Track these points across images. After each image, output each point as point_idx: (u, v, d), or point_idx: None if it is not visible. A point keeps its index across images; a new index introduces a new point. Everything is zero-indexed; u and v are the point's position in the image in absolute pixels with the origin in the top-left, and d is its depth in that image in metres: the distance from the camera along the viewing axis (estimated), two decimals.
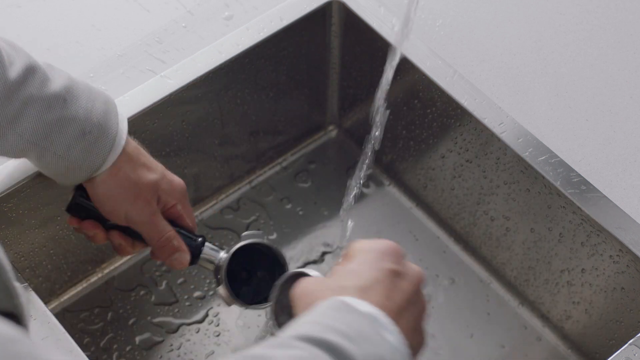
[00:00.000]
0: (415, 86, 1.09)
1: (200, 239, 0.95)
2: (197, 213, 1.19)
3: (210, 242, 0.96)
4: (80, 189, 0.92)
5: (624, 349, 0.90)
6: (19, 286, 0.65)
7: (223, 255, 0.95)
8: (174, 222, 0.94)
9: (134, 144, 0.91)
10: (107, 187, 0.89)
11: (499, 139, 1.03)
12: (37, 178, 0.98)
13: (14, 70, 0.82)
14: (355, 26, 1.12)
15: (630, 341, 0.90)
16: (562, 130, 1.04)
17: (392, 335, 0.65)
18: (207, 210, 1.19)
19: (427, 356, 1.11)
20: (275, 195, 1.21)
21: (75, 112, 0.86)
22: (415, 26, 1.11)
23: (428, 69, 1.07)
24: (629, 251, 0.96)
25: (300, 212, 1.20)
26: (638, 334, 0.91)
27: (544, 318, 1.12)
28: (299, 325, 0.64)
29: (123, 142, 0.89)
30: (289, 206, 1.21)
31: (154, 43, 1.09)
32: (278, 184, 1.22)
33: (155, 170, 0.92)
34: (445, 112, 1.08)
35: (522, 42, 1.11)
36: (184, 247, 0.93)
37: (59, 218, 1.05)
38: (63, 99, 0.85)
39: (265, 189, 1.22)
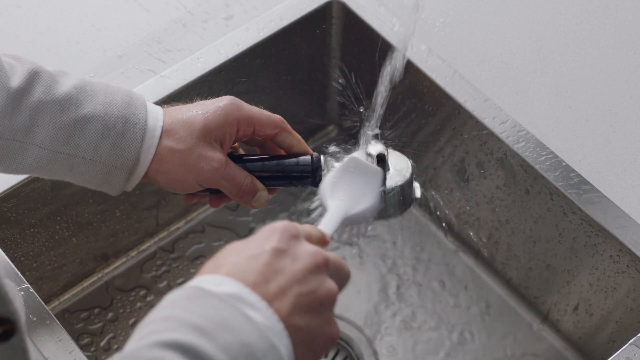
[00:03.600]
0: (415, 86, 1.09)
1: (314, 156, 0.87)
2: (196, 213, 1.19)
3: (323, 157, 0.88)
4: None
5: (624, 349, 0.90)
6: (13, 290, 0.65)
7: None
8: (281, 154, 0.88)
9: (172, 117, 0.83)
10: (165, 176, 0.82)
11: (499, 139, 1.03)
12: (37, 178, 0.98)
13: (17, 78, 0.78)
14: (355, 26, 1.12)
15: (630, 341, 0.90)
16: (562, 130, 1.04)
17: (258, 313, 0.60)
18: (207, 210, 1.19)
19: (427, 356, 1.11)
20: (275, 195, 1.21)
21: (93, 110, 0.80)
22: (416, 26, 1.11)
23: (428, 69, 1.07)
24: (629, 251, 0.96)
25: (300, 213, 1.20)
26: (638, 334, 0.91)
27: (544, 318, 1.12)
28: (151, 324, 0.60)
29: (158, 128, 0.82)
30: (288, 206, 1.21)
31: (154, 43, 1.09)
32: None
33: (206, 132, 0.83)
34: (445, 112, 1.08)
35: (522, 42, 1.11)
36: (259, 186, 0.85)
37: (59, 218, 1.05)
38: (76, 98, 0.80)
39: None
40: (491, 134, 1.03)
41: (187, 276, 1.15)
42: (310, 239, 0.69)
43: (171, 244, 1.17)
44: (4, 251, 0.95)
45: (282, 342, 0.60)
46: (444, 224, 1.19)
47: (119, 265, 1.15)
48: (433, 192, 1.18)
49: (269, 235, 0.65)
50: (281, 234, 0.65)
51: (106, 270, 1.14)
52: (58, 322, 0.88)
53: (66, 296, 1.12)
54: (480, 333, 1.12)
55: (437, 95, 1.07)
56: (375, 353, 1.11)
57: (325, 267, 0.65)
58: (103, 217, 1.10)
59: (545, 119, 1.05)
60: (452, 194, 1.15)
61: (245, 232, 1.18)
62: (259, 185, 0.86)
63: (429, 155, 1.14)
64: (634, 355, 0.89)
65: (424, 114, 1.11)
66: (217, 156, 0.82)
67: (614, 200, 0.98)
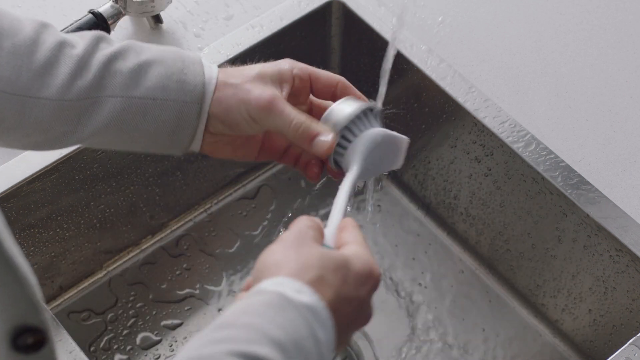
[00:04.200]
0: (415, 86, 1.09)
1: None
2: (197, 213, 1.19)
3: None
4: None
5: (624, 349, 0.90)
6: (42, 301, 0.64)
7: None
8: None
9: (226, 68, 0.82)
10: (224, 111, 0.80)
11: (498, 139, 1.03)
12: (37, 178, 0.98)
13: (81, 45, 0.79)
14: (355, 26, 1.12)
15: (630, 341, 0.90)
16: (562, 130, 1.04)
17: (325, 332, 0.64)
18: (210, 209, 1.19)
19: (428, 355, 1.11)
20: (274, 195, 1.21)
21: (151, 55, 0.80)
22: (416, 26, 1.11)
23: (428, 68, 1.07)
24: (629, 251, 0.96)
25: (300, 213, 1.20)
26: (638, 334, 0.91)
27: (544, 318, 1.12)
28: (230, 328, 0.62)
29: (214, 66, 0.81)
30: (288, 207, 1.21)
31: None
32: (277, 184, 1.22)
33: (260, 75, 0.81)
34: (445, 112, 1.08)
35: (522, 42, 1.11)
36: (317, 129, 0.79)
37: (59, 218, 1.05)
38: (132, 49, 0.80)
39: (264, 189, 1.22)
40: (491, 134, 1.03)
41: (188, 275, 1.15)
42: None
43: (172, 243, 1.17)
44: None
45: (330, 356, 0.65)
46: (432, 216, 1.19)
47: (119, 265, 1.15)
48: (432, 192, 1.18)
49: (366, 280, 0.68)
50: (374, 286, 0.69)
51: (106, 270, 1.14)
52: (58, 322, 0.88)
53: (66, 296, 1.12)
54: (480, 332, 1.12)
55: (437, 95, 1.07)
56: (375, 353, 1.11)
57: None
58: (103, 217, 1.10)
59: (545, 119, 1.05)
60: (451, 193, 1.15)
61: (249, 230, 1.18)
62: (317, 128, 0.79)
63: (429, 155, 1.14)
64: (634, 355, 0.89)
65: (424, 114, 1.11)
66: (269, 89, 0.80)
67: (614, 200, 0.98)
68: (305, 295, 0.63)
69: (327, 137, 0.79)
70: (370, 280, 0.68)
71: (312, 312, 0.63)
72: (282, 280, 0.64)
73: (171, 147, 0.82)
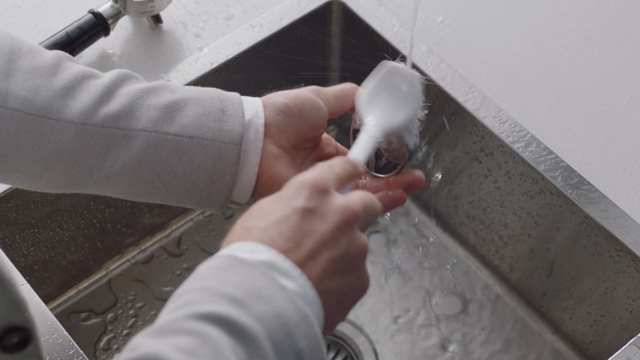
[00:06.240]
0: None
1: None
2: (198, 212, 1.19)
3: None
4: None
5: (624, 349, 0.90)
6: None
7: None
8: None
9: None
10: (283, 136, 0.77)
11: (498, 139, 1.03)
12: None
13: (108, 76, 0.75)
14: (355, 26, 1.12)
15: (630, 341, 0.90)
16: (562, 130, 1.04)
17: (291, 281, 0.60)
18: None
19: (427, 354, 1.11)
20: None
21: (187, 94, 0.76)
22: (415, 26, 1.11)
23: (428, 68, 1.07)
24: (629, 251, 0.96)
25: None
26: (638, 334, 0.91)
27: (544, 318, 1.12)
28: (185, 294, 0.59)
29: (257, 100, 0.77)
30: None
31: None
32: None
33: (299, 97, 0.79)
34: (445, 112, 1.08)
35: (522, 42, 1.11)
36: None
37: (59, 218, 1.05)
38: (166, 87, 0.76)
39: None
40: (491, 134, 1.03)
41: (188, 275, 1.14)
42: (341, 181, 0.67)
43: (172, 243, 1.17)
44: (4, 251, 0.95)
45: (314, 310, 0.60)
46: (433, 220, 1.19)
47: (119, 265, 1.15)
48: (432, 192, 1.18)
49: (298, 192, 0.63)
50: (310, 191, 0.63)
51: (106, 270, 1.14)
52: (58, 322, 0.88)
53: (66, 296, 1.12)
54: (479, 332, 1.12)
55: (437, 95, 1.07)
56: (375, 353, 1.11)
57: (356, 221, 0.64)
58: (103, 216, 1.10)
59: (545, 119, 1.05)
60: (451, 194, 1.15)
61: None
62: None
63: (429, 156, 1.14)
64: (634, 355, 0.89)
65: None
66: (320, 102, 0.79)
67: (614, 200, 0.98)
68: (260, 253, 0.60)
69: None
70: (301, 190, 0.63)
71: (269, 266, 0.60)
72: (235, 245, 0.62)
73: (209, 199, 0.76)
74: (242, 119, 0.75)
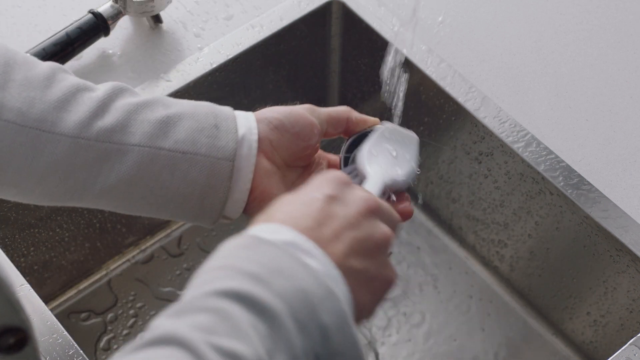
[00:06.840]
0: (415, 86, 1.09)
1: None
2: None
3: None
4: None
5: (624, 349, 0.90)
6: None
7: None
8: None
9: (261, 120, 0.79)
10: (278, 153, 0.78)
11: (498, 139, 1.03)
12: None
13: (102, 90, 0.75)
14: (355, 26, 1.12)
15: (630, 341, 0.90)
16: (562, 130, 1.04)
17: (314, 260, 0.60)
18: None
19: (427, 354, 1.11)
20: None
21: (181, 108, 0.76)
22: (416, 26, 1.11)
23: (428, 68, 1.07)
24: (629, 251, 0.96)
25: None
26: (638, 334, 0.91)
27: (544, 318, 1.12)
28: (207, 273, 0.60)
29: (250, 116, 0.78)
30: None
31: None
32: None
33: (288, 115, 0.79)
34: (445, 112, 1.08)
35: (522, 42, 1.11)
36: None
37: (59, 218, 1.05)
38: (160, 102, 0.76)
39: None
40: (491, 134, 1.03)
41: (188, 275, 1.15)
42: None
43: (172, 243, 1.17)
44: (4, 251, 0.95)
45: (339, 287, 0.60)
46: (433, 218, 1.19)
47: (119, 265, 1.15)
48: (432, 192, 1.18)
49: (320, 183, 0.65)
50: (332, 182, 0.65)
51: (106, 270, 1.14)
52: (58, 322, 0.88)
53: (66, 296, 1.12)
54: (479, 331, 1.12)
55: (437, 95, 1.07)
56: (376, 353, 1.11)
57: (378, 212, 0.65)
58: (103, 216, 1.10)
59: (545, 119, 1.05)
60: (451, 194, 1.15)
61: None
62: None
63: (428, 156, 1.14)
64: (634, 355, 0.89)
65: (423, 114, 1.11)
66: (314, 120, 0.79)
67: (614, 200, 0.98)
68: (282, 233, 0.61)
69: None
70: (324, 182, 0.65)
71: (291, 244, 0.60)
72: (257, 226, 0.62)
73: (201, 214, 0.77)
74: (236, 134, 0.76)
